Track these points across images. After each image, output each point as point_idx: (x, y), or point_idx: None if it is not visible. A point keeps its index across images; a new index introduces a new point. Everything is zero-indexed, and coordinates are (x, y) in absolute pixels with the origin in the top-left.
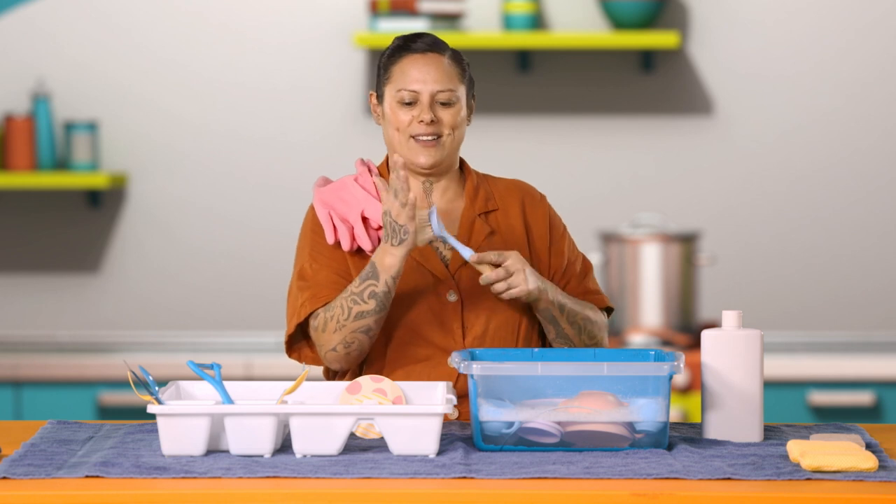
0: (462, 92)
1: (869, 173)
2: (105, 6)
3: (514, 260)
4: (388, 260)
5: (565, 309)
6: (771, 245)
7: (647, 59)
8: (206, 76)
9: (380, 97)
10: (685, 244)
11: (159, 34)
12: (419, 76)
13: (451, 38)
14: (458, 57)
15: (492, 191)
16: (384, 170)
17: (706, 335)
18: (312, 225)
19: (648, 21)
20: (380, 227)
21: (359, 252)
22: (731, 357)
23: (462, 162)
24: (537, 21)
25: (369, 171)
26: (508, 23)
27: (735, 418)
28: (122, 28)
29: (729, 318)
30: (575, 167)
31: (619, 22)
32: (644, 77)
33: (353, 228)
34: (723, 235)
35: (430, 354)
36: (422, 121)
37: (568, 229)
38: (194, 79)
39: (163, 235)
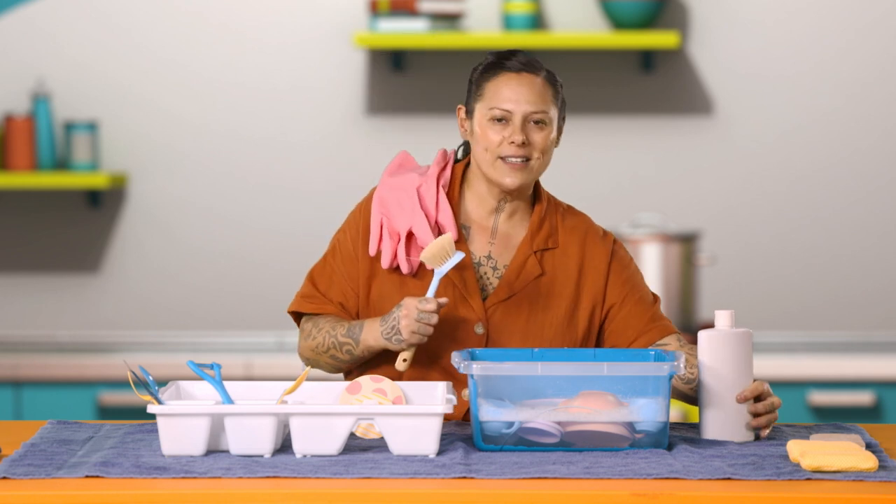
0: (554, 113)
1: (869, 173)
2: (105, 6)
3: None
4: (372, 342)
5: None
6: (771, 245)
7: (647, 59)
8: (206, 76)
9: (469, 112)
10: (685, 244)
11: (159, 34)
12: (513, 95)
13: (450, 39)
14: (552, 77)
15: (557, 226)
16: (458, 171)
17: (703, 335)
18: (363, 223)
19: (648, 21)
20: (422, 249)
21: (395, 270)
22: (728, 355)
23: (537, 185)
24: (537, 21)
25: (437, 177)
26: (508, 23)
27: (731, 417)
28: (122, 28)
29: (723, 317)
30: (575, 167)
31: (619, 22)
32: (644, 77)
33: (397, 244)
34: (723, 235)
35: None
36: (513, 142)
37: (638, 269)
38: (194, 79)
39: (163, 235)
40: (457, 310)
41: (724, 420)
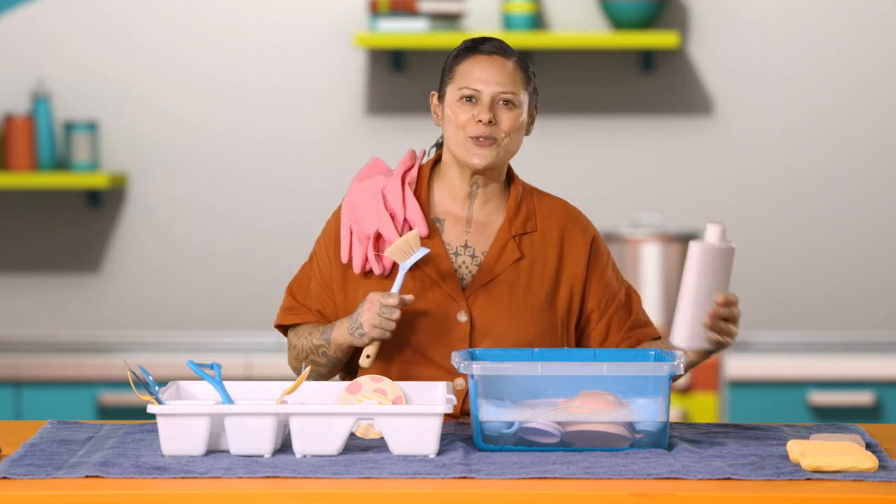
0: (524, 97)
1: (869, 173)
2: (105, 6)
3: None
4: (340, 339)
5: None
6: (771, 245)
7: (647, 59)
8: (206, 76)
9: (441, 97)
10: (685, 244)
11: (159, 34)
12: (482, 76)
13: (451, 39)
14: (523, 63)
15: (534, 210)
16: (426, 168)
17: (693, 246)
18: (335, 231)
19: (648, 21)
20: None
21: (368, 273)
22: (713, 267)
23: (510, 172)
24: (537, 21)
25: (403, 177)
26: (508, 23)
27: (700, 325)
28: (122, 28)
29: (713, 231)
30: (575, 167)
31: (619, 22)
32: (644, 77)
33: (367, 248)
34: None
35: (435, 375)
36: (480, 120)
37: (614, 261)
38: (194, 79)
39: (163, 235)
40: (437, 301)
41: (697, 326)
